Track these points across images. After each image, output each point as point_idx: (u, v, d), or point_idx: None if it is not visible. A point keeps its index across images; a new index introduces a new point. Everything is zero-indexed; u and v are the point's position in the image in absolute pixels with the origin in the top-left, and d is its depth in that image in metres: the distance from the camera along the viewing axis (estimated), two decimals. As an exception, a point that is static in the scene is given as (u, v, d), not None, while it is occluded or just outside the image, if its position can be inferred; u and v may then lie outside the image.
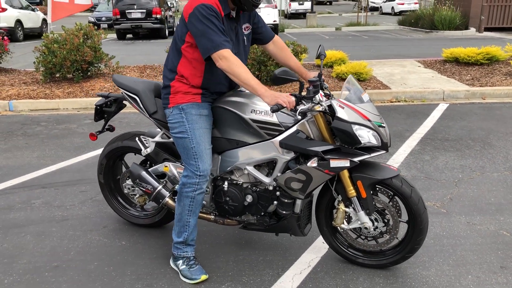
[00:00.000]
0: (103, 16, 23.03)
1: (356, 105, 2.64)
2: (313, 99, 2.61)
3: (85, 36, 7.91)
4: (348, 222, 2.86)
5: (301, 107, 2.60)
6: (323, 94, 2.71)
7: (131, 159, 3.47)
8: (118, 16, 18.36)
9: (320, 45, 2.95)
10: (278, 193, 2.83)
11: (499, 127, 5.91)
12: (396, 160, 4.80)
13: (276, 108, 2.48)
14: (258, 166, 2.88)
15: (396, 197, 2.78)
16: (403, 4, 33.86)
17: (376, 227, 2.83)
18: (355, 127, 2.56)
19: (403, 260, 2.86)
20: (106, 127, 3.43)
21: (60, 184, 4.33)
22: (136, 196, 3.40)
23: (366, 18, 24.38)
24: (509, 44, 9.76)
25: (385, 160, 4.76)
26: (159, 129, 3.17)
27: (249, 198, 2.88)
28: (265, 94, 2.53)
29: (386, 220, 2.81)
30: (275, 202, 2.86)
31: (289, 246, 3.21)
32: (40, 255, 3.14)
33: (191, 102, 2.78)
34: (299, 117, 2.65)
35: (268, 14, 18.46)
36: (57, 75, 8.04)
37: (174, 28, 21.22)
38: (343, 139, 2.60)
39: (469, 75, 8.44)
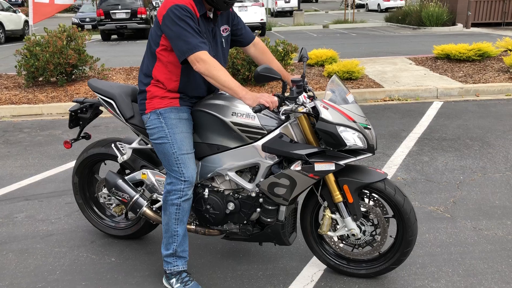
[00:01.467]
0: (86, 17, 22.63)
1: (341, 106, 2.53)
2: (297, 100, 2.50)
3: (69, 38, 7.64)
4: (335, 229, 2.72)
5: (284, 108, 2.47)
6: (306, 96, 2.62)
7: (103, 171, 3.27)
8: (103, 17, 18.01)
9: (302, 48, 2.88)
10: (261, 200, 2.68)
11: (496, 125, 5.79)
12: (394, 162, 4.65)
13: (259, 108, 2.36)
14: (240, 172, 2.75)
15: (382, 200, 2.66)
16: (389, 1, 33.89)
17: (364, 231, 2.69)
18: (340, 129, 2.45)
19: (387, 271, 2.74)
20: (82, 134, 3.27)
21: (44, 195, 4.11)
22: (113, 206, 3.23)
23: (353, 16, 24.31)
24: (499, 40, 9.71)
25: (383, 163, 4.61)
26: (136, 135, 3.02)
27: (231, 206, 2.74)
28: (246, 96, 2.41)
29: (372, 222, 2.69)
30: (258, 209, 2.72)
31: (290, 259, 3.04)
32: (23, 276, 2.92)
33: (169, 106, 2.63)
34: (283, 117, 2.53)
35: (255, 13, 18.28)
36: (40, 79, 7.78)
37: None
38: (328, 141, 2.48)
39: (461, 72, 8.34)
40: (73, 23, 19.53)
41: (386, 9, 31.96)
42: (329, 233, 2.73)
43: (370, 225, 2.70)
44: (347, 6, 26.18)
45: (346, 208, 2.64)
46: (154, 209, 3.00)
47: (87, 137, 3.31)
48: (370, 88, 7.55)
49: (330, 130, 2.44)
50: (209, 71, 2.43)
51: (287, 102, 2.51)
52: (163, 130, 2.62)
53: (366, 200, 2.71)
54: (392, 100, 7.31)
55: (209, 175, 2.76)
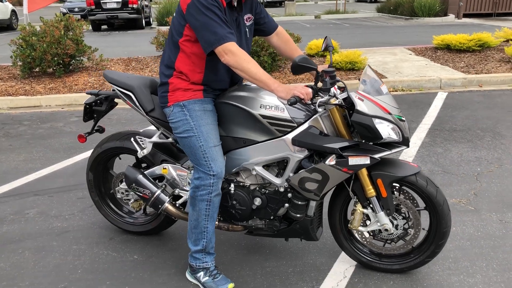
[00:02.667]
0: (75, 7, 22.18)
1: (375, 97, 2.42)
2: (330, 91, 2.39)
3: (66, 28, 7.43)
4: (365, 224, 2.66)
5: (319, 99, 2.37)
6: (336, 86, 2.49)
7: (118, 166, 3.15)
8: (93, 7, 17.65)
9: (326, 37, 2.74)
10: (290, 194, 2.60)
11: (505, 115, 5.77)
12: (409, 153, 4.60)
13: (294, 101, 2.28)
14: (267, 166, 2.65)
15: (412, 192, 2.61)
16: (378, -9, 33.84)
17: (397, 225, 2.62)
18: (376, 121, 2.35)
19: (421, 264, 2.68)
20: (96, 127, 3.13)
21: (54, 190, 3.97)
22: (131, 202, 3.12)
23: (345, 6, 24.21)
24: (498, 30, 9.72)
25: (397, 154, 4.55)
26: (155, 129, 2.92)
27: (257, 201, 2.65)
28: (278, 88, 2.33)
29: (404, 216, 2.62)
30: (286, 204, 2.64)
31: (318, 254, 2.96)
32: (44, 275, 2.80)
33: (192, 98, 2.52)
34: (320, 109, 2.42)
35: (248, 3, 18.03)
36: (37, 69, 7.56)
37: (151, 19, 20.77)
38: (363, 134, 2.40)
39: (462, 62, 8.32)
40: (61, 13, 19.14)
41: (375, 0, 31.93)
42: (360, 228, 2.66)
43: (402, 219, 2.63)
44: (338, -3, 26.06)
45: (378, 203, 2.57)
46: (176, 205, 2.90)
47: (101, 130, 3.18)
48: (373, 78, 7.48)
49: (366, 122, 2.36)
50: (239, 63, 2.32)
51: (320, 94, 2.41)
52: (188, 123, 2.51)
53: (396, 193, 2.64)
54: (396, 91, 7.26)
55: (234, 170, 2.66)
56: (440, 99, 6.68)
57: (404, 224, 2.63)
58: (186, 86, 2.54)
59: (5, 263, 2.94)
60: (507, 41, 9.15)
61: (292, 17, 22.58)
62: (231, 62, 2.32)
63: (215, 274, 2.63)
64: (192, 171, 2.83)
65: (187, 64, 2.50)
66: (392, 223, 2.62)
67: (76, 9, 21.97)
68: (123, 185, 3.09)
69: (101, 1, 17.57)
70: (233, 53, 2.31)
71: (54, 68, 7.41)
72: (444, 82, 7.36)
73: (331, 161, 2.41)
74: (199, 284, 2.64)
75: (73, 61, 7.66)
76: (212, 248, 2.65)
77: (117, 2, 17.76)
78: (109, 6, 17.70)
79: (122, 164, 3.42)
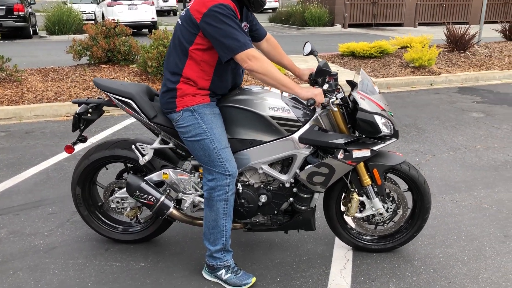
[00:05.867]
0: None
1: (372, 96, 2.75)
2: (334, 92, 2.67)
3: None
4: (361, 211, 2.96)
5: (330, 100, 2.63)
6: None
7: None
8: (-27, 14, 16.09)
9: (306, 42, 3.03)
10: (295, 189, 2.82)
11: (419, 113, 6.55)
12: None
13: (313, 102, 2.52)
14: (270, 164, 2.84)
15: (395, 177, 2.97)
16: (265, 2, 35.22)
17: (387, 209, 2.97)
18: (376, 117, 2.67)
19: (411, 239, 3.05)
20: (80, 137, 3.07)
21: (16, 208, 3.71)
22: (127, 210, 3.10)
23: (237, 16, 24.86)
24: (391, 39, 10.83)
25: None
26: (148, 136, 2.97)
27: (263, 198, 2.83)
28: (301, 91, 2.54)
29: (392, 198, 2.97)
30: (291, 199, 2.85)
31: (315, 243, 3.20)
32: (52, 293, 2.68)
33: (202, 103, 2.63)
34: (335, 109, 2.68)
35: (145, 11, 17.78)
36: None
37: (37, 27, 19.34)
38: (366, 129, 2.70)
39: (369, 68, 9.17)
40: None
41: (261, 11, 33.18)
42: (357, 215, 2.96)
43: (391, 202, 2.98)
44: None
45: (373, 190, 2.89)
46: (179, 209, 2.96)
47: (84, 140, 3.11)
48: (296, 84, 7.94)
49: (369, 119, 2.66)
50: (264, 68, 2.47)
51: (328, 95, 2.67)
52: (200, 127, 2.60)
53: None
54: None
55: (239, 170, 2.80)
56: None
57: (393, 206, 2.97)
58: (194, 91, 2.61)
59: (2, 285, 2.74)
60: (402, 48, 10.25)
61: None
62: (255, 67, 2.46)
63: (237, 270, 2.74)
64: (195, 175, 2.91)
65: (196, 71, 2.58)
66: (384, 207, 2.96)
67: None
68: (119, 194, 3.04)
69: (-17, 8, 16.08)
70: (256, 59, 2.46)
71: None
72: (358, 85, 8.06)
73: (341, 155, 2.67)
74: (221, 282, 2.73)
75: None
76: (229, 246, 2.76)
77: (0, 9, 16.38)
78: (-8, 13, 16.26)
79: (101, 176, 3.35)
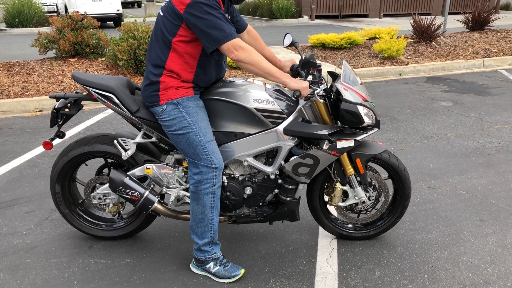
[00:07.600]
0: None
1: (354, 87, 2.79)
2: (318, 84, 2.70)
3: None
4: (344, 200, 3.02)
5: (316, 91, 2.66)
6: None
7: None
8: None
9: (287, 33, 3.04)
10: (280, 180, 2.85)
11: (391, 102, 6.68)
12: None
13: (299, 94, 2.53)
14: (255, 157, 2.86)
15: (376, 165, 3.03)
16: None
17: (369, 197, 3.03)
18: (360, 108, 2.72)
19: (392, 226, 3.12)
20: (58, 133, 3.00)
21: (-10, 208, 3.60)
22: (109, 207, 3.06)
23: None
24: (360, 30, 10.97)
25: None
26: (127, 129, 2.93)
27: (248, 190, 2.85)
28: (290, 82, 2.54)
29: (374, 186, 3.04)
30: (276, 190, 2.88)
31: (300, 233, 3.24)
32: (36, 293, 2.62)
33: (185, 96, 2.61)
34: (321, 100, 2.69)
35: (110, 3, 17.40)
36: None
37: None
38: (349, 120, 2.73)
39: (339, 59, 9.27)
40: None
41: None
42: (340, 204, 3.01)
43: (372, 190, 3.04)
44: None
45: (356, 179, 2.95)
46: (164, 203, 2.93)
47: (62, 135, 3.04)
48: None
49: (353, 109, 2.69)
50: (251, 58, 2.46)
51: (312, 86, 2.69)
52: (185, 120, 2.58)
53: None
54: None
55: (224, 163, 2.81)
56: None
57: (375, 194, 3.04)
58: (177, 84, 2.58)
59: (-17, 288, 2.66)
60: (370, 39, 10.40)
61: (153, 17, 22.32)
62: (241, 57, 2.44)
63: (225, 262, 2.74)
64: (178, 169, 2.89)
65: (179, 64, 2.55)
66: (366, 195, 3.02)
67: None
68: (101, 190, 2.99)
69: None
70: (243, 49, 2.44)
71: None
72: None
73: (325, 146, 2.70)
74: (210, 275, 2.73)
75: None
76: (216, 239, 2.76)
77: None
78: None
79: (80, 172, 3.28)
